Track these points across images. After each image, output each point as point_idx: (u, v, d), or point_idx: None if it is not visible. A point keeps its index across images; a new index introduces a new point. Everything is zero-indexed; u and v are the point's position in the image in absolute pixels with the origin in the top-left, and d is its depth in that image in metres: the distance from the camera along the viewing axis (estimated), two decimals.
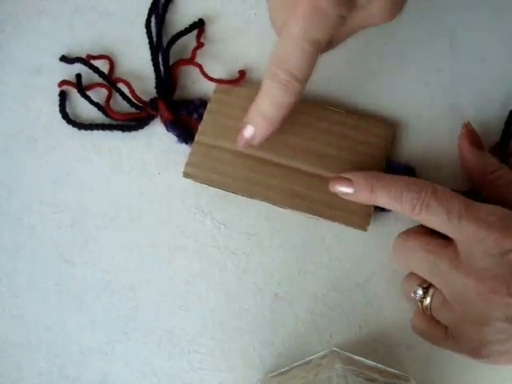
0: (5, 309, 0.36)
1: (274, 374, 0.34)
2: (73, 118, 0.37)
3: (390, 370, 0.33)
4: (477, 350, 0.29)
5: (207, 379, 0.34)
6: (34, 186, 0.37)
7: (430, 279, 0.31)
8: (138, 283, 0.36)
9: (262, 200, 0.35)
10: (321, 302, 0.35)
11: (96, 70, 0.37)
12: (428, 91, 0.37)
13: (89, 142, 0.38)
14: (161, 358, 0.35)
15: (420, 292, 0.31)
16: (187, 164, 0.35)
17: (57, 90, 0.38)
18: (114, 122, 0.37)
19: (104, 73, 0.37)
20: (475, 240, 0.28)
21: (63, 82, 0.38)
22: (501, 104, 0.37)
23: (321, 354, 0.34)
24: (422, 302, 0.32)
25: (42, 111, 0.38)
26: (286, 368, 0.34)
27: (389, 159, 0.36)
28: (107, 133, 0.38)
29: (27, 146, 0.38)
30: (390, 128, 0.36)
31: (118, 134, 0.38)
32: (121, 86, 0.37)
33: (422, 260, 0.31)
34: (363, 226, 0.34)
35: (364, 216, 0.34)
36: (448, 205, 0.29)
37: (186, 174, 0.35)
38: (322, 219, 0.35)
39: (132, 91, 0.37)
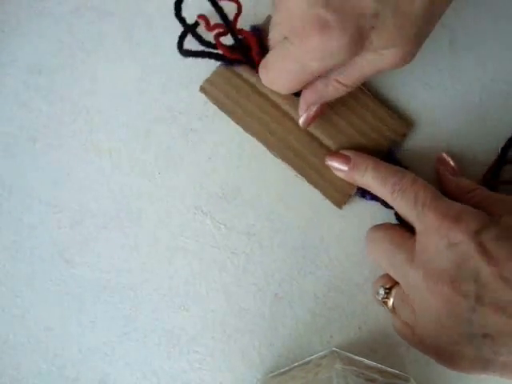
0: (5, 309, 0.36)
1: (273, 374, 0.34)
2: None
3: (390, 369, 0.33)
4: (438, 353, 0.29)
5: (207, 379, 0.34)
6: (34, 185, 0.37)
7: (389, 271, 0.31)
8: (138, 283, 0.36)
9: (259, 140, 0.36)
10: (321, 302, 0.35)
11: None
12: (428, 91, 0.37)
13: (89, 142, 0.38)
14: (161, 358, 0.35)
15: (382, 292, 0.32)
16: (207, 80, 0.36)
17: (58, 90, 0.38)
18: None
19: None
20: (431, 230, 0.29)
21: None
22: (501, 104, 0.37)
23: (321, 354, 0.34)
24: (385, 302, 0.32)
25: (42, 111, 0.38)
26: (286, 368, 0.34)
27: (390, 152, 0.36)
28: (107, 133, 0.38)
29: (27, 146, 0.38)
30: (404, 126, 0.36)
31: (117, 134, 0.38)
32: None
33: (384, 251, 0.31)
34: (340, 204, 0.35)
35: (344, 194, 0.35)
36: (418, 193, 0.30)
37: (202, 89, 0.36)
38: (306, 182, 0.35)
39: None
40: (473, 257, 0.27)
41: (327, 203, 0.35)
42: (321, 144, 0.36)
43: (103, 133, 0.38)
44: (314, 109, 0.33)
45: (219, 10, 0.34)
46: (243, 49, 0.34)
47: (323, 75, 0.31)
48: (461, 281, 0.27)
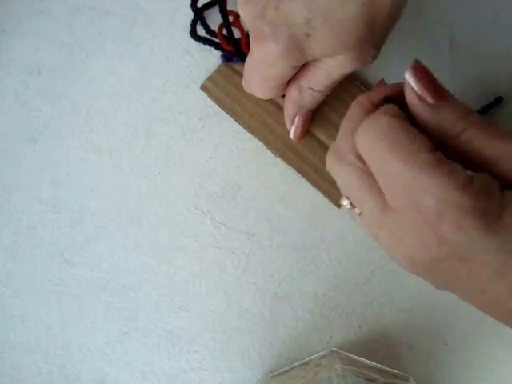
0: (5, 309, 0.36)
1: (273, 373, 0.34)
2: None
3: (390, 370, 0.33)
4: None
5: (207, 379, 0.34)
6: (34, 186, 0.37)
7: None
8: (137, 283, 0.36)
9: (258, 138, 0.36)
10: (321, 302, 0.35)
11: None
12: None
13: (89, 142, 0.38)
14: (161, 358, 0.35)
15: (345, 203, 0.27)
16: (208, 78, 0.37)
17: (58, 90, 0.38)
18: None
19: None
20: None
21: None
22: (501, 104, 0.37)
23: (321, 354, 0.34)
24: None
25: (42, 111, 0.38)
26: (286, 368, 0.34)
27: None
28: (107, 133, 0.38)
29: (27, 146, 0.38)
30: None
31: (117, 134, 0.38)
32: None
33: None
34: (339, 203, 0.35)
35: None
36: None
37: (203, 87, 0.37)
38: (305, 180, 0.35)
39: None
40: (451, 260, 0.22)
41: (327, 203, 0.35)
42: (320, 143, 0.36)
43: (103, 133, 0.38)
44: (299, 119, 0.34)
45: (221, 2, 0.35)
46: (235, 40, 0.36)
47: (294, 82, 0.32)
48: (434, 271, 0.23)
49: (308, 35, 0.28)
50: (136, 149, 0.38)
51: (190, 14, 0.37)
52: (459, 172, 0.20)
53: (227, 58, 0.37)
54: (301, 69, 0.31)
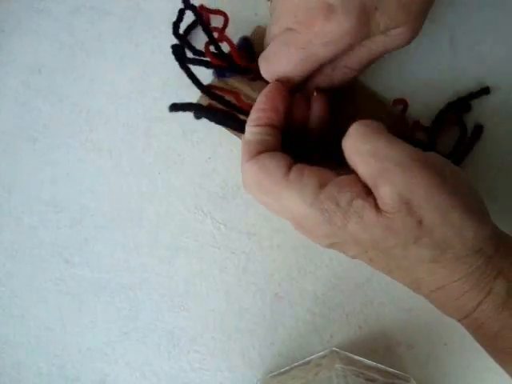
0: (5, 309, 0.36)
1: (273, 373, 0.34)
2: None
3: (390, 369, 0.33)
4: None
5: (207, 379, 0.34)
6: (34, 186, 0.37)
7: None
8: (137, 283, 0.36)
9: None
10: (321, 302, 0.35)
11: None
12: (427, 91, 0.37)
13: (89, 142, 0.38)
14: (161, 358, 0.35)
15: None
16: (201, 96, 0.36)
17: (58, 90, 0.38)
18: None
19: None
20: None
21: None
22: (501, 103, 0.37)
23: (321, 354, 0.34)
24: None
25: (42, 111, 0.38)
26: (286, 368, 0.34)
27: None
28: (107, 133, 0.38)
29: (27, 146, 0.38)
30: None
31: (117, 133, 0.38)
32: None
33: None
34: None
35: None
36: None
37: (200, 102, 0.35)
38: None
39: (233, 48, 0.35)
40: (336, 246, 0.29)
41: None
42: None
43: (103, 133, 0.38)
44: (320, 96, 0.32)
45: (202, 22, 0.35)
46: (225, 55, 0.35)
47: (327, 62, 0.30)
48: (337, 249, 0.29)
49: (376, 8, 0.27)
50: (136, 149, 0.38)
51: (190, 14, 0.37)
52: (307, 188, 0.26)
53: (220, 73, 0.36)
54: None
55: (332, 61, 0.30)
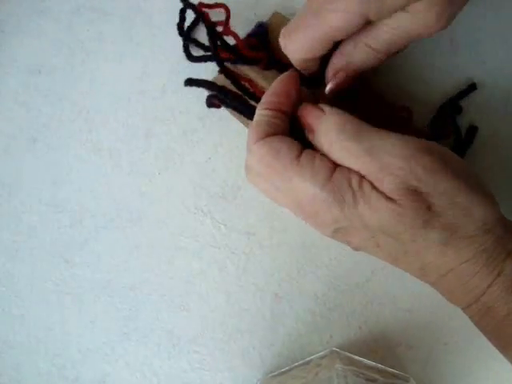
0: (5, 309, 0.36)
1: (273, 374, 0.34)
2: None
3: (390, 370, 0.33)
4: None
5: (207, 379, 0.34)
6: (34, 185, 0.37)
7: None
8: (138, 283, 0.36)
9: None
10: (321, 302, 0.35)
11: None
12: (427, 90, 0.37)
13: (89, 142, 0.38)
14: (161, 358, 0.35)
15: None
16: (215, 78, 0.36)
17: (58, 90, 0.38)
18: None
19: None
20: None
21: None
22: (501, 103, 0.37)
23: (321, 354, 0.34)
24: None
25: (42, 111, 0.38)
26: (286, 368, 0.34)
27: None
28: (107, 133, 0.38)
29: (27, 146, 0.38)
30: None
31: (117, 134, 0.38)
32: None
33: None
34: None
35: None
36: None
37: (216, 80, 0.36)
38: None
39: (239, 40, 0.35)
40: (339, 236, 0.29)
41: None
42: None
43: (103, 133, 0.38)
44: (341, 75, 0.31)
45: (204, 19, 0.35)
46: (232, 47, 0.35)
47: (351, 38, 0.30)
48: (339, 240, 0.29)
49: None
50: (136, 149, 0.38)
51: (191, 14, 0.37)
52: (320, 172, 0.26)
53: (222, 70, 0.36)
54: (363, 27, 0.29)
55: (352, 37, 0.29)
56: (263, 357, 0.35)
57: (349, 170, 0.27)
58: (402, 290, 0.34)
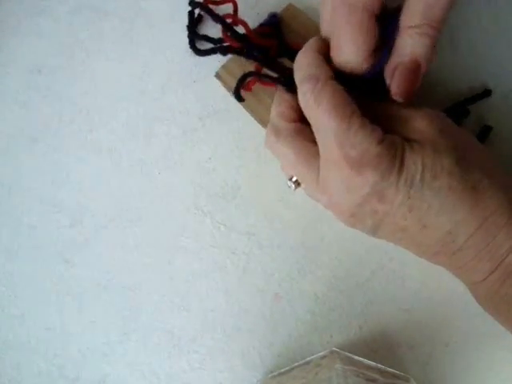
0: (5, 309, 0.36)
1: (273, 374, 0.34)
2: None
3: (390, 370, 0.33)
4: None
5: (207, 379, 0.34)
6: (34, 186, 0.37)
7: (295, 176, 0.31)
8: (137, 283, 0.36)
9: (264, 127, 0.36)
10: (321, 302, 0.35)
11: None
12: (427, 90, 0.37)
13: (89, 142, 0.38)
14: (161, 358, 0.35)
15: (292, 185, 0.32)
16: (222, 66, 0.37)
17: (58, 90, 0.38)
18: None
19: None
20: (332, 167, 0.29)
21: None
22: (501, 102, 0.37)
23: (321, 354, 0.34)
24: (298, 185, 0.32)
25: (42, 111, 0.38)
26: (286, 368, 0.34)
27: None
28: (107, 133, 0.38)
29: (27, 146, 0.38)
30: None
31: (117, 133, 0.38)
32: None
33: (289, 162, 0.31)
34: None
35: None
36: (325, 114, 0.28)
37: (218, 75, 0.37)
38: None
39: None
40: (371, 201, 0.27)
41: None
42: None
43: (103, 133, 0.38)
44: (398, 74, 0.28)
45: (213, 14, 0.35)
46: (242, 36, 0.35)
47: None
48: (360, 216, 0.28)
49: None
50: (136, 149, 0.38)
51: (188, 8, 0.37)
52: (377, 131, 0.27)
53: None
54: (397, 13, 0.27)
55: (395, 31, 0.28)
56: (263, 357, 0.34)
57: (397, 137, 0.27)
58: (401, 290, 0.34)
